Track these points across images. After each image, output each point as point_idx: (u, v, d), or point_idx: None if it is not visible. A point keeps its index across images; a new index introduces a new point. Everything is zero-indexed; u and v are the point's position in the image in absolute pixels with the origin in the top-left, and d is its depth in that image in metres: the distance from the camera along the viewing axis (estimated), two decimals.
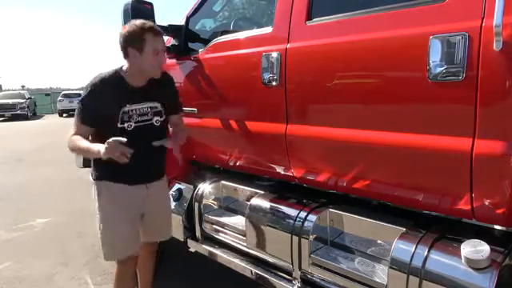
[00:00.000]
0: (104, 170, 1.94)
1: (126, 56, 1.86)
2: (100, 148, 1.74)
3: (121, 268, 2.06)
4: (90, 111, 1.86)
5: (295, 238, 1.83)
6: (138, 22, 1.85)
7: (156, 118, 1.98)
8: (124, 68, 1.91)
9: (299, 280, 1.87)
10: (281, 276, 1.97)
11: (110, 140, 1.70)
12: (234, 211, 2.43)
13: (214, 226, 2.40)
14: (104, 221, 1.99)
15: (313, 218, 1.83)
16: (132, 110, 1.90)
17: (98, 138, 1.85)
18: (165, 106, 2.01)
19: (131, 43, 1.82)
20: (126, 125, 1.89)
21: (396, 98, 1.50)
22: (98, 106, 1.84)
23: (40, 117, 23.35)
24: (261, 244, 2.03)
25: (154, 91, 1.96)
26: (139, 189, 2.01)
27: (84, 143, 1.85)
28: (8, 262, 3.40)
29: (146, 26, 1.83)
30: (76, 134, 1.88)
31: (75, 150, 1.90)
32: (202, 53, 2.40)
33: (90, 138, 1.96)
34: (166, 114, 2.03)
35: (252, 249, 2.10)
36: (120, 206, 1.96)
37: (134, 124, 1.91)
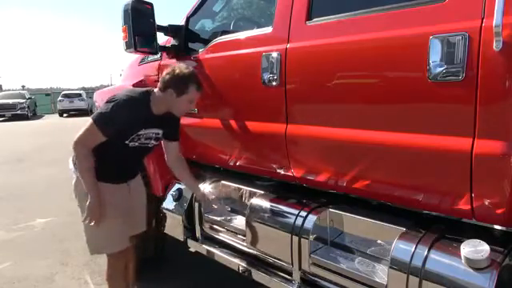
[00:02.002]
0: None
1: (163, 90, 2.01)
2: (92, 200, 1.97)
3: (115, 262, 2.20)
4: (115, 126, 1.94)
5: (295, 238, 1.83)
6: (189, 69, 2.02)
7: (152, 142, 2.16)
8: (155, 94, 2.04)
9: (299, 280, 1.87)
10: (281, 276, 1.97)
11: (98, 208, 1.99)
12: (233, 211, 2.43)
13: (214, 226, 2.40)
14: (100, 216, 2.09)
15: (313, 218, 1.83)
16: (143, 134, 2.07)
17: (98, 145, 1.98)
18: (164, 133, 2.19)
19: (175, 85, 1.98)
20: (131, 144, 2.04)
21: (396, 98, 1.49)
22: (123, 124, 1.95)
23: (40, 117, 23.36)
24: (261, 244, 2.03)
25: (164, 120, 2.11)
26: (122, 186, 2.20)
27: (92, 180, 1.99)
28: (8, 261, 3.40)
29: (195, 78, 2.02)
30: (89, 143, 1.95)
31: (81, 168, 1.99)
32: (202, 53, 2.40)
33: None
34: (162, 139, 2.24)
35: (252, 249, 2.10)
36: (111, 201, 2.08)
37: (137, 144, 2.07)
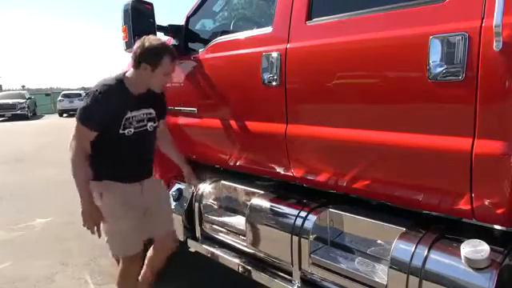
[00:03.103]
0: (102, 170, 2.01)
1: (136, 67, 1.94)
2: (83, 204, 1.96)
3: (127, 265, 2.10)
4: (98, 118, 1.89)
5: (295, 238, 1.83)
6: (159, 41, 1.94)
7: (150, 124, 2.08)
8: (128, 75, 1.98)
9: (299, 280, 1.87)
10: (281, 276, 1.97)
11: (91, 214, 1.96)
12: (234, 211, 2.43)
13: (214, 226, 2.40)
14: (112, 217, 2.03)
15: (313, 218, 1.83)
16: (132, 117, 1.98)
17: (97, 143, 1.95)
18: (157, 112, 2.12)
19: (147, 59, 1.89)
20: (126, 131, 1.97)
21: (396, 98, 1.50)
22: (105, 113, 1.89)
23: (40, 117, 23.35)
24: (261, 244, 2.03)
25: (150, 99, 2.05)
26: (134, 186, 2.10)
27: (83, 181, 1.96)
28: (8, 261, 3.40)
29: (167, 48, 1.93)
30: (82, 143, 1.92)
31: (75, 172, 1.95)
32: (202, 53, 2.40)
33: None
34: (158, 120, 2.14)
35: (252, 249, 2.10)
36: (123, 202, 2.02)
37: (134, 130, 1.99)
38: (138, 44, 1.92)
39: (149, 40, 1.91)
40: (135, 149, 2.05)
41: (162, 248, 2.25)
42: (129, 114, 1.96)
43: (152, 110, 2.08)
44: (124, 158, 2.03)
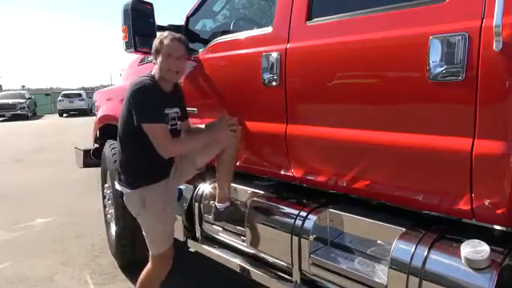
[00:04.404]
0: (139, 176, 2.05)
1: (155, 63, 2.03)
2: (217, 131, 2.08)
3: (157, 262, 2.15)
4: (157, 108, 1.93)
5: (295, 238, 1.83)
6: (165, 33, 2.02)
7: (179, 123, 2.14)
8: (153, 73, 2.03)
9: (299, 280, 1.87)
10: (280, 276, 1.97)
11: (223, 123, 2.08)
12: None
13: (214, 226, 2.40)
14: (157, 219, 2.09)
15: (313, 217, 1.82)
16: (168, 114, 2.04)
17: (133, 149, 2.00)
18: (181, 111, 2.16)
19: (156, 49, 1.99)
20: None
21: (396, 98, 1.49)
22: (158, 104, 1.94)
23: (40, 117, 23.38)
24: (261, 244, 2.03)
25: (177, 97, 2.14)
26: (164, 181, 2.12)
27: (196, 139, 2.14)
28: (8, 262, 3.40)
29: (167, 33, 2.00)
30: (168, 137, 1.95)
31: (192, 146, 2.11)
32: (202, 53, 2.40)
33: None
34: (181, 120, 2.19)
35: (252, 249, 2.10)
36: (164, 200, 2.09)
37: (169, 127, 2.02)
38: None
39: (159, 36, 2.02)
40: None
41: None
42: (166, 111, 2.01)
43: (179, 110, 2.13)
44: (158, 157, 1.99)
